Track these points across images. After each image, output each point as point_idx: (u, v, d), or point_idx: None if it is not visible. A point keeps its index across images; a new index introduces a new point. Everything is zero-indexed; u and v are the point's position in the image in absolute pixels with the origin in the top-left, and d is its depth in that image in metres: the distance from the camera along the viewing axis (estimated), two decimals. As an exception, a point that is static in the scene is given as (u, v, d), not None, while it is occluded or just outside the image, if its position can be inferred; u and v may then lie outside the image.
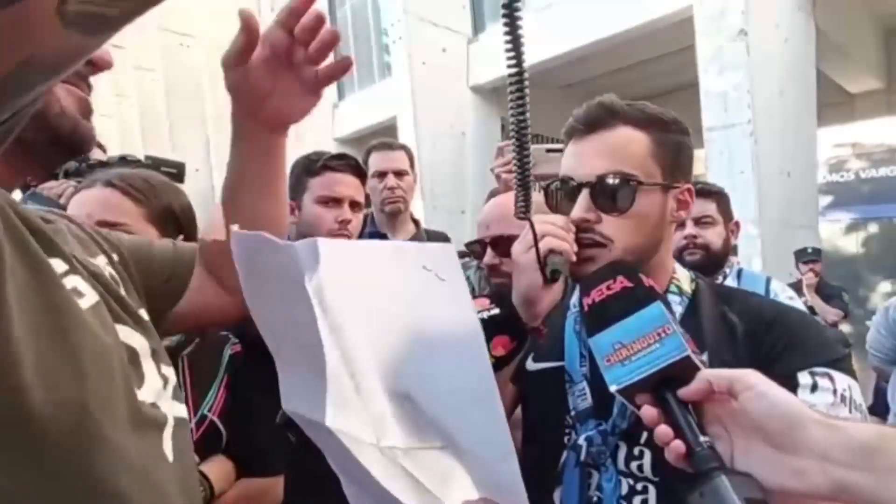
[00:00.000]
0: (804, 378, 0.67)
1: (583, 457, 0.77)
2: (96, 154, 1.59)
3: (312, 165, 1.45)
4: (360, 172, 1.48)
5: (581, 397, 0.81)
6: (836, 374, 0.67)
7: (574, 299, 0.89)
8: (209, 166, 11.95)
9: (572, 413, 0.81)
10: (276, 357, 0.46)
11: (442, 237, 2.26)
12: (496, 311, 0.70)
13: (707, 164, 5.22)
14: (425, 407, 0.43)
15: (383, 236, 2.11)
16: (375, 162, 2.12)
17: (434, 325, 0.44)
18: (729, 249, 1.79)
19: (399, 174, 2.11)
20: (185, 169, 1.56)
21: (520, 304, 0.75)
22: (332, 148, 7.17)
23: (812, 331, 0.75)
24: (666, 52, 7.31)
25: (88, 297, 0.55)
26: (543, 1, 7.49)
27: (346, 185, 1.43)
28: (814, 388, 0.66)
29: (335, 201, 1.42)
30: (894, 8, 7.77)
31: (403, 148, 2.20)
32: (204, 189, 11.94)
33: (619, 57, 7.39)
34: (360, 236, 2.14)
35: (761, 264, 4.70)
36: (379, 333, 0.41)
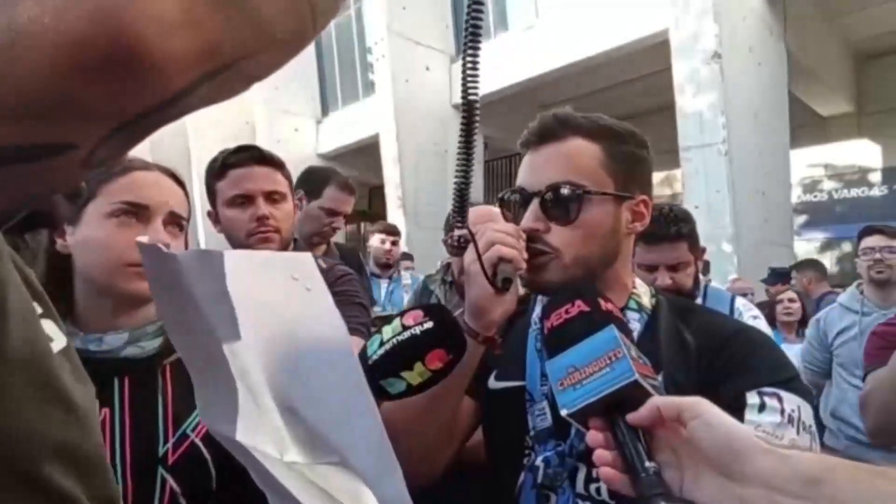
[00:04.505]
0: (752, 398, 0.67)
1: (540, 479, 0.75)
2: None
3: (214, 167, 1.29)
4: (267, 160, 1.29)
5: (541, 417, 0.80)
6: (785, 394, 0.67)
7: (535, 315, 0.88)
8: (190, 179, 11.82)
9: (532, 433, 0.80)
10: (189, 368, 0.45)
11: (351, 251, 2.21)
12: (429, 324, 0.68)
13: (684, 183, 5.32)
14: (312, 422, 0.42)
15: None
16: (332, 198, 2.02)
17: (308, 338, 0.43)
18: (697, 281, 1.77)
19: (343, 216, 2.06)
20: None
21: (472, 313, 0.73)
22: (316, 164, 7.11)
23: (764, 351, 0.74)
24: (643, 74, 7.48)
25: (58, 342, 0.52)
26: (525, 23, 7.63)
27: (253, 178, 1.25)
28: (761, 408, 0.66)
29: (245, 199, 1.25)
30: (864, 33, 8.05)
31: (352, 191, 2.12)
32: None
33: (597, 78, 7.54)
34: None
35: (738, 282, 4.76)
36: (262, 346, 0.41)
